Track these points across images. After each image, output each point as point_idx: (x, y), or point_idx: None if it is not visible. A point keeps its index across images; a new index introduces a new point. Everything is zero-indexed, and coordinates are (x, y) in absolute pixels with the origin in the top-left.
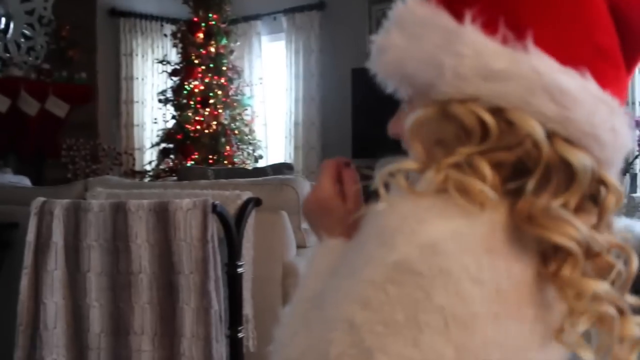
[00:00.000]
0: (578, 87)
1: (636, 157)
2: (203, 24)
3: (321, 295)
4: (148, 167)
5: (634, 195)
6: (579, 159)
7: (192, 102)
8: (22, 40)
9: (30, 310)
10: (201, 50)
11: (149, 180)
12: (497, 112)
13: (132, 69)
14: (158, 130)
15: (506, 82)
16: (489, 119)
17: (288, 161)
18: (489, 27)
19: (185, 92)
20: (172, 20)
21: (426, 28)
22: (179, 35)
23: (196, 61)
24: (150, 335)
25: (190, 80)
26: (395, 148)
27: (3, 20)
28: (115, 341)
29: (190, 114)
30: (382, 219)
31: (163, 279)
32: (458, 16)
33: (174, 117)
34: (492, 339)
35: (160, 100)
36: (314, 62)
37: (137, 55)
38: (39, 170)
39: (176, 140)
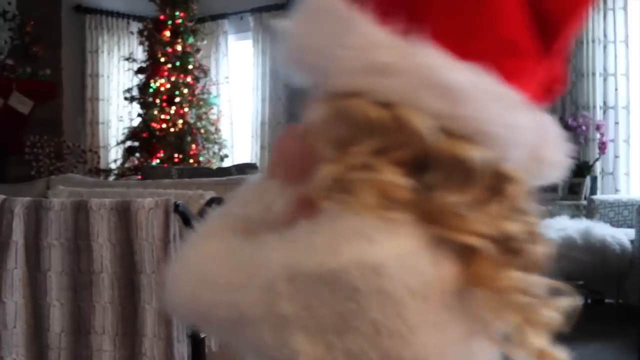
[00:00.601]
0: (469, 82)
1: (596, 160)
2: (170, 22)
3: (256, 236)
4: (113, 166)
5: (593, 197)
6: (471, 154)
7: (158, 101)
8: None
9: None
10: (168, 48)
11: (114, 179)
12: (388, 107)
13: (98, 66)
14: (124, 129)
15: (394, 76)
16: (376, 114)
17: (254, 161)
18: (385, 19)
19: (151, 90)
20: (139, 18)
21: (323, 16)
22: (145, 33)
23: (162, 59)
24: (111, 335)
25: (157, 79)
26: None
27: None
28: (76, 341)
29: (156, 113)
30: (338, 223)
31: (124, 279)
32: (355, 5)
33: (139, 115)
34: (433, 347)
35: (126, 98)
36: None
37: (102, 52)
38: (1, 167)
39: (142, 139)
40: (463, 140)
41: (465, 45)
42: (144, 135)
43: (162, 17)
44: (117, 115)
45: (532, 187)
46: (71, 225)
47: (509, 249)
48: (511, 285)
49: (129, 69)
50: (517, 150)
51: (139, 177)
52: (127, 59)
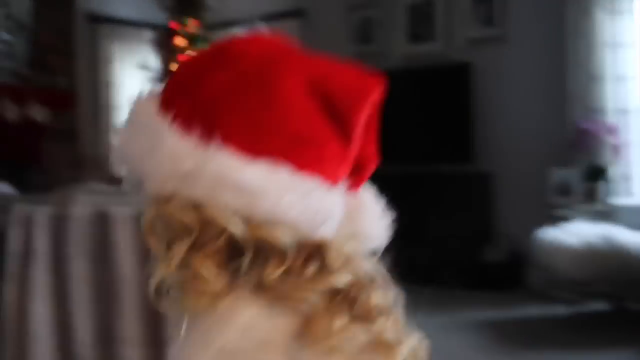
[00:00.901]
0: (263, 178)
1: (611, 164)
2: (182, 30)
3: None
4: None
5: (611, 201)
6: (276, 236)
7: None
8: (1, 45)
9: (15, 319)
10: (179, 55)
11: None
12: (196, 208)
13: (112, 75)
14: None
15: (196, 181)
16: (186, 216)
17: None
18: (187, 128)
19: None
20: (152, 26)
21: (140, 128)
22: (158, 41)
23: (174, 68)
24: (138, 344)
25: None
26: None
27: None
28: (102, 350)
29: None
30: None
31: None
32: (165, 118)
33: None
34: None
35: None
36: None
37: (116, 61)
38: (20, 176)
39: None
40: (266, 227)
41: (256, 144)
42: None
43: (174, 25)
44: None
45: (357, 248)
46: (93, 235)
47: (342, 299)
48: (341, 332)
49: (142, 78)
50: (325, 225)
51: None
52: (141, 68)
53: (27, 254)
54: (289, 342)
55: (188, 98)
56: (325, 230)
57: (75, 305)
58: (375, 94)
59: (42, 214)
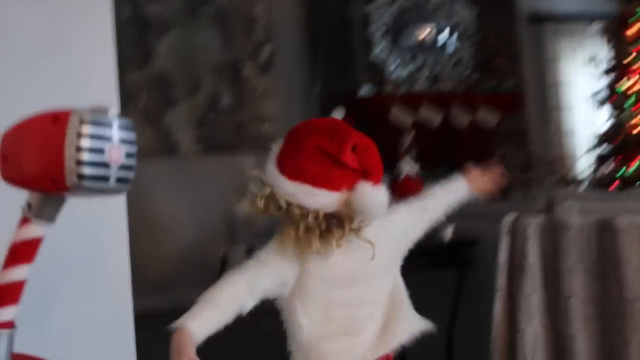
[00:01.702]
0: (300, 190)
1: None
2: (635, 19)
3: None
4: (582, 175)
5: None
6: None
7: (629, 103)
8: (449, 55)
9: (505, 337)
10: (633, 47)
11: (584, 190)
12: (289, 204)
13: (559, 74)
14: (592, 136)
15: (284, 192)
16: (284, 206)
17: None
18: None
19: (619, 91)
20: (599, 18)
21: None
22: (608, 33)
23: (629, 59)
24: None
25: (625, 79)
26: None
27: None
28: None
29: (628, 115)
30: None
31: None
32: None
33: (610, 119)
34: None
35: (593, 103)
36: None
37: (562, 59)
38: None
39: (614, 144)
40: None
41: (294, 175)
42: (617, 140)
43: (626, 14)
44: (581, 122)
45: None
46: (595, 247)
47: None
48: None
49: (593, 73)
50: (325, 206)
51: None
52: (590, 62)
53: (517, 267)
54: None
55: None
56: (327, 208)
57: (571, 325)
58: (350, 139)
59: (533, 224)
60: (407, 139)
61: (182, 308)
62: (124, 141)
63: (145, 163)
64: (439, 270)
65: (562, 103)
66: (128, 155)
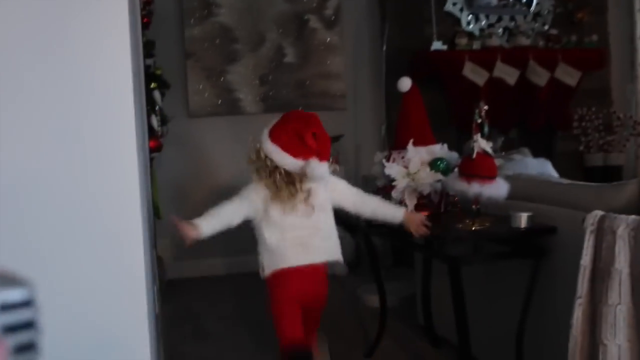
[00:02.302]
0: (276, 151)
1: None
2: None
3: None
4: None
5: None
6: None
7: None
8: (527, 7)
9: (584, 350)
10: None
11: None
12: (267, 157)
13: None
14: None
15: (266, 149)
16: (263, 157)
17: None
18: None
19: None
20: None
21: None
22: None
23: None
24: None
25: None
26: None
27: None
28: None
29: None
30: None
31: None
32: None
33: None
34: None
35: None
36: None
37: None
38: (550, 143)
39: None
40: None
41: (283, 147)
42: None
43: None
44: None
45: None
46: None
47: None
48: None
49: None
50: (290, 166)
51: None
52: None
53: (603, 272)
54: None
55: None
56: (289, 168)
57: None
58: (314, 129)
59: (623, 223)
60: (481, 110)
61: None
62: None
63: (205, 120)
64: (512, 260)
65: None
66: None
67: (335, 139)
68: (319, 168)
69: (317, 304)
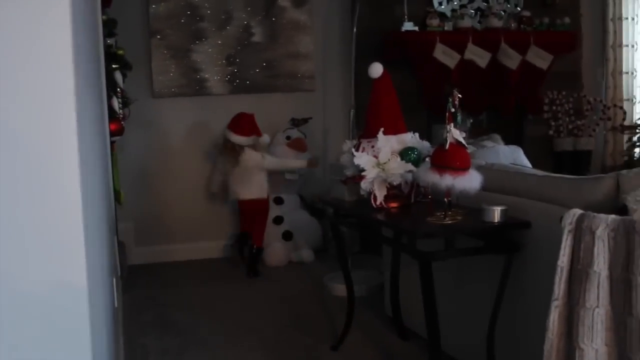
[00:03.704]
0: (231, 134)
1: None
2: None
3: None
4: None
5: None
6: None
7: None
8: None
9: (560, 353)
10: None
11: None
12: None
13: (621, 9)
14: None
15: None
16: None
17: None
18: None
19: None
20: None
21: None
22: None
23: None
24: None
25: None
26: None
27: None
28: None
29: None
30: None
31: None
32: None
33: None
34: None
35: None
36: None
37: None
38: (520, 127)
39: None
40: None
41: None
42: None
43: None
44: None
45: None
46: None
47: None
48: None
49: None
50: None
51: None
52: None
53: (580, 274)
54: None
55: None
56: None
57: None
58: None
59: (603, 224)
60: (455, 99)
61: None
62: None
63: (170, 101)
64: (485, 255)
65: (622, 41)
66: None
67: (304, 120)
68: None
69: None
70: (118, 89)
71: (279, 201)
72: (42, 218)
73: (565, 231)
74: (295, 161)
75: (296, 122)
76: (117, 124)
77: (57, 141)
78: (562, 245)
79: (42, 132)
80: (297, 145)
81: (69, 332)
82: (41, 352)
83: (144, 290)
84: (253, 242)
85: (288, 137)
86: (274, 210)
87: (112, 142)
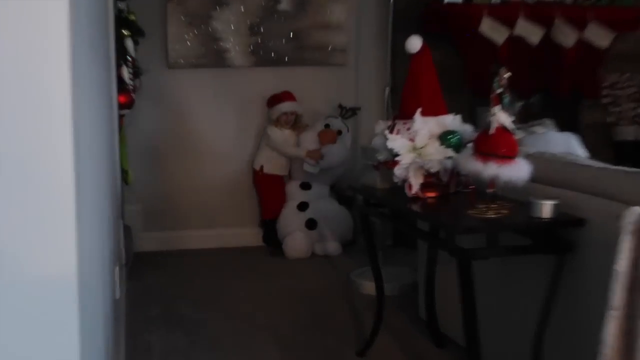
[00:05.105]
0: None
1: None
2: None
3: None
4: None
5: None
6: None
7: None
8: None
9: None
10: None
11: None
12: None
13: None
14: None
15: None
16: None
17: None
18: None
19: None
20: None
21: None
22: None
23: None
24: None
25: None
26: None
27: None
28: None
29: None
30: None
31: None
32: None
33: None
34: None
35: None
36: None
37: None
38: (574, 112)
39: None
40: None
41: None
42: None
43: None
44: None
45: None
46: None
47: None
48: None
49: None
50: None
51: None
52: None
53: None
54: None
55: None
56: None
57: None
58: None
59: None
60: (502, 78)
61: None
62: None
63: (186, 73)
64: (532, 255)
65: None
66: None
67: (352, 112)
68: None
69: None
70: (129, 58)
71: (305, 186)
72: (24, 198)
73: (625, 232)
74: (292, 148)
75: (343, 113)
76: (126, 95)
77: (44, 108)
78: (621, 248)
79: (26, 97)
80: (324, 138)
81: (53, 326)
82: (22, 348)
83: (151, 280)
84: None
85: (327, 126)
86: (299, 195)
87: (120, 116)
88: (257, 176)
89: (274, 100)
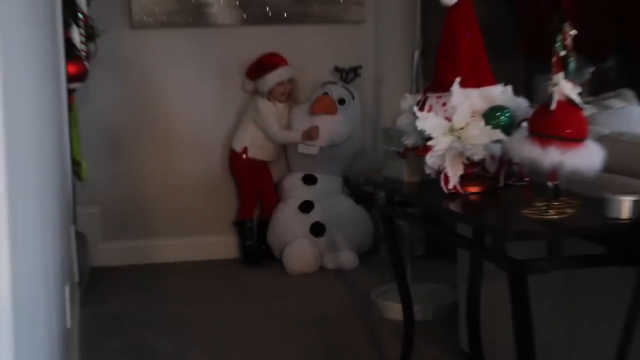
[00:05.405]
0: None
1: None
2: None
3: None
4: None
5: None
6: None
7: None
8: None
9: None
10: None
11: None
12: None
13: None
14: None
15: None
16: None
17: None
18: None
19: None
20: None
21: None
22: None
23: None
24: None
25: None
26: None
27: None
28: None
29: None
30: None
31: None
32: None
33: None
34: None
35: None
36: None
37: None
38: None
39: None
40: None
41: None
42: None
43: None
44: None
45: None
46: None
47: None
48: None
49: None
50: None
51: None
52: None
53: None
54: None
55: None
56: None
57: None
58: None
59: None
60: (566, 36)
61: None
62: None
63: (155, 34)
64: (608, 267)
65: None
66: None
67: (353, 72)
68: None
69: None
70: (80, 15)
71: (309, 180)
72: None
73: None
74: (284, 132)
75: (343, 76)
76: (77, 64)
77: None
78: None
79: None
80: (318, 106)
81: None
82: None
83: (112, 303)
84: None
85: (326, 95)
86: (302, 193)
87: (70, 92)
88: (237, 160)
89: (263, 66)
